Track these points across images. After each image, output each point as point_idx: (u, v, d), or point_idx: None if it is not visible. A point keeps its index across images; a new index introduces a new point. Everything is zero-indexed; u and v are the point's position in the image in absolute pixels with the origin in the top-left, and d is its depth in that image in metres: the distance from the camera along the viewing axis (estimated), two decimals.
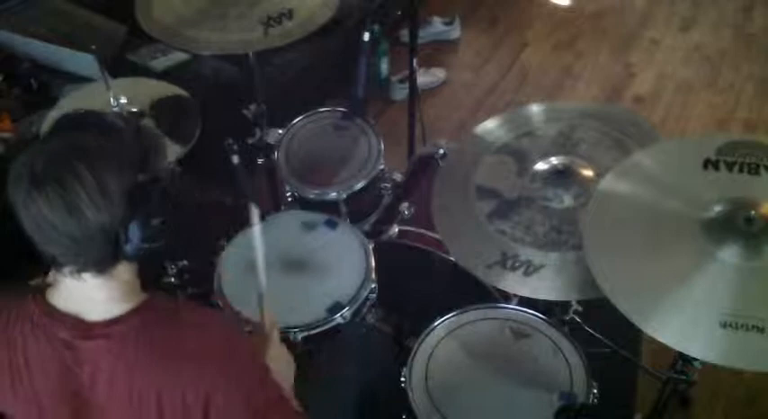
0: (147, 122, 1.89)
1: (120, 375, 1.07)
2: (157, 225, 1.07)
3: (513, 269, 1.57)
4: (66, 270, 1.05)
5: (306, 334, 1.72)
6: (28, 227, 1.01)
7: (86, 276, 1.06)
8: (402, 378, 1.62)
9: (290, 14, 1.95)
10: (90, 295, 1.08)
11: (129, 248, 1.04)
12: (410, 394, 1.59)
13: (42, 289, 1.11)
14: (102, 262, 1.06)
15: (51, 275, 1.10)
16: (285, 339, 1.69)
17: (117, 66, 2.44)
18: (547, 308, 1.83)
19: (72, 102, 1.99)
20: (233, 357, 1.13)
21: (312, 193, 2.08)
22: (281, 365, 1.31)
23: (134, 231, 1.04)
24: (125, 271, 1.10)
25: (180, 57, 2.66)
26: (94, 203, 0.99)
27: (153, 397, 1.07)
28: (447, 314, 1.74)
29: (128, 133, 1.06)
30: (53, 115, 1.93)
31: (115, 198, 1.01)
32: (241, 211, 2.01)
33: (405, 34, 2.69)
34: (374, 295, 1.85)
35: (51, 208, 0.98)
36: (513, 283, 1.56)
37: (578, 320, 2.07)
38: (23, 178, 0.99)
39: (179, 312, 1.13)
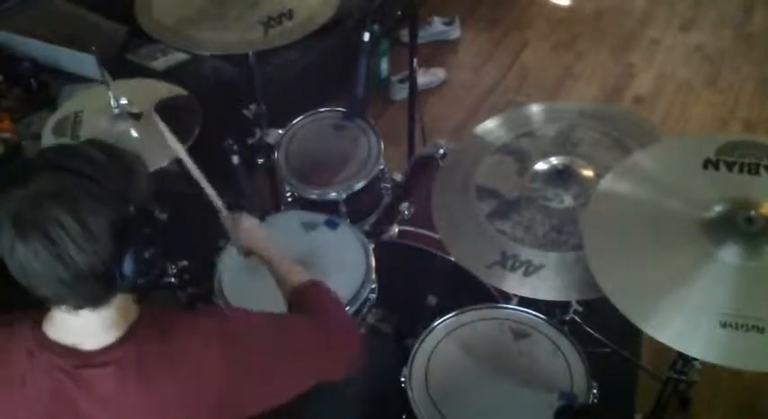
0: (147, 121, 1.89)
1: (122, 399, 1.06)
2: (150, 257, 1.05)
3: (513, 269, 1.57)
4: (62, 307, 1.04)
5: None
6: (16, 272, 0.99)
7: (81, 311, 1.04)
8: (402, 379, 1.62)
9: (289, 15, 1.95)
10: (86, 327, 1.06)
11: (124, 284, 1.03)
12: (410, 394, 1.59)
13: (40, 319, 1.08)
14: (97, 299, 1.04)
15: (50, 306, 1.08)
16: None
17: (117, 66, 2.44)
18: (547, 308, 1.83)
19: (73, 103, 1.99)
20: (236, 356, 1.12)
21: (312, 193, 2.08)
22: (257, 229, 1.48)
23: (128, 266, 1.02)
24: (121, 299, 1.08)
25: (180, 57, 2.66)
26: (81, 248, 0.97)
27: (157, 415, 1.08)
28: (447, 314, 1.74)
29: (110, 165, 1.03)
30: (55, 118, 1.93)
31: (102, 237, 0.98)
32: (241, 211, 2.01)
33: (405, 34, 2.69)
34: (374, 295, 1.85)
35: (37, 257, 0.96)
36: (513, 283, 1.56)
37: (578, 320, 2.07)
38: (6, 224, 0.96)
39: (173, 323, 1.12)
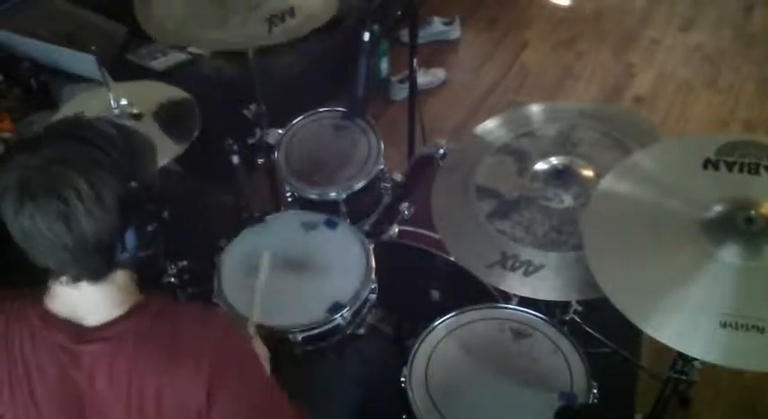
0: (148, 122, 1.89)
1: (119, 377, 1.07)
2: (152, 231, 1.06)
3: (513, 269, 1.57)
4: (63, 278, 1.05)
5: (306, 334, 1.72)
6: (20, 238, 1.00)
7: (83, 284, 1.05)
8: (402, 379, 1.62)
9: (292, 12, 1.95)
10: (86, 301, 1.07)
11: (124, 256, 1.04)
12: (410, 394, 1.59)
13: (40, 295, 1.10)
14: (97, 272, 1.05)
15: (50, 281, 1.09)
16: (285, 339, 1.70)
17: (117, 66, 2.44)
18: (547, 308, 1.83)
19: (74, 104, 1.99)
20: (233, 353, 1.13)
21: (312, 193, 2.08)
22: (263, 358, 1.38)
23: (129, 239, 1.04)
24: (121, 276, 1.09)
25: (180, 57, 2.66)
26: (91, 214, 0.98)
27: (152, 397, 1.07)
28: (447, 314, 1.74)
29: (119, 140, 1.05)
30: (56, 118, 1.93)
31: (111, 207, 1.00)
32: (241, 211, 2.02)
33: (405, 34, 2.69)
34: (374, 295, 1.85)
35: (47, 219, 0.97)
36: (513, 283, 1.56)
37: (578, 320, 2.07)
38: (12, 189, 0.97)
39: (176, 310, 1.13)
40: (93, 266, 1.04)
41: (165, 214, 1.12)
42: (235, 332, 1.19)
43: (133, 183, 1.03)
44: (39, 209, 0.97)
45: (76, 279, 1.05)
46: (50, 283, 1.08)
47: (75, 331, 1.07)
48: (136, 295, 1.12)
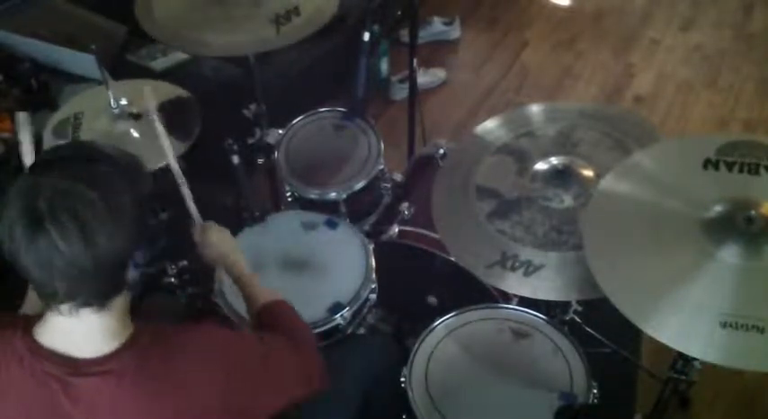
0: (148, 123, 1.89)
1: (117, 411, 1.05)
2: (160, 245, 1.07)
3: (513, 269, 1.57)
4: (65, 307, 1.02)
5: None
6: (31, 264, 0.97)
7: (84, 312, 1.03)
8: (402, 379, 1.62)
9: (297, 11, 1.95)
10: (84, 332, 1.05)
11: (133, 273, 1.03)
12: (410, 394, 1.59)
13: (28, 326, 1.07)
14: (105, 295, 1.04)
15: (46, 312, 1.05)
16: None
17: (117, 66, 2.44)
18: (547, 308, 1.83)
19: (74, 104, 1.98)
20: (237, 362, 1.13)
21: (312, 193, 2.08)
22: (227, 241, 1.51)
23: (140, 255, 1.04)
24: (122, 302, 1.08)
25: (180, 57, 2.66)
26: (108, 231, 0.97)
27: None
28: (447, 314, 1.74)
29: (120, 158, 1.06)
30: (56, 119, 1.93)
31: (126, 224, 1.00)
32: (241, 211, 2.02)
33: (405, 34, 2.69)
34: (374, 295, 1.85)
35: (65, 239, 0.95)
36: (513, 283, 1.56)
37: (578, 320, 2.07)
38: (20, 220, 0.95)
39: (169, 335, 1.11)
40: (105, 288, 1.03)
41: (165, 215, 1.12)
42: (232, 337, 1.20)
43: (142, 200, 1.04)
44: (58, 230, 0.95)
45: (84, 304, 1.02)
46: (45, 314, 1.05)
47: (69, 364, 1.04)
48: (129, 327, 1.09)
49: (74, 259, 0.96)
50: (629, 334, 2.01)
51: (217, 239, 1.52)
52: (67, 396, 1.04)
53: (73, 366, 1.04)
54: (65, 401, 1.04)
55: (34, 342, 1.05)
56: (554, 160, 1.75)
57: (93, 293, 1.02)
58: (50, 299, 1.02)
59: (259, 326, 1.37)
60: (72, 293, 1.01)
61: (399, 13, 3.13)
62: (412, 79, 2.41)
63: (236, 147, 1.84)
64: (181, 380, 1.07)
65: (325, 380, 1.30)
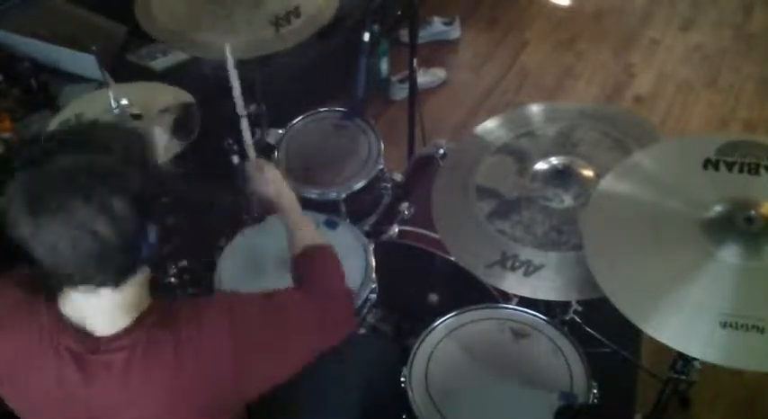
0: (148, 122, 1.89)
1: (128, 386, 1.07)
2: (172, 222, 1.07)
3: (513, 269, 1.57)
4: (82, 287, 1.04)
5: None
6: (41, 252, 0.99)
7: (103, 291, 1.04)
8: (402, 379, 1.62)
9: (297, 12, 1.94)
10: (102, 308, 1.06)
11: (147, 251, 1.04)
12: (410, 394, 1.59)
13: (54, 294, 1.09)
14: (120, 276, 1.05)
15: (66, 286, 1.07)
16: None
17: (117, 66, 2.44)
18: (547, 308, 1.83)
19: (74, 106, 1.99)
20: (242, 324, 1.14)
21: (312, 193, 2.08)
22: (281, 180, 1.52)
23: (151, 233, 1.04)
24: (140, 278, 1.09)
25: (180, 57, 2.65)
26: (106, 220, 0.98)
27: (171, 398, 1.08)
28: (447, 314, 1.74)
29: (122, 139, 1.06)
30: (57, 121, 1.93)
31: (125, 209, 0.99)
32: (241, 211, 2.01)
33: (405, 34, 2.69)
34: (374, 295, 1.85)
35: (65, 231, 0.96)
36: (513, 283, 1.56)
37: (578, 320, 2.07)
38: (24, 206, 0.97)
39: (180, 308, 1.13)
40: (117, 269, 1.03)
41: (171, 220, 1.12)
42: (236, 301, 1.21)
43: (145, 178, 1.03)
44: (56, 222, 0.96)
45: (101, 284, 1.03)
46: (66, 288, 1.07)
47: (85, 338, 1.06)
48: (146, 301, 1.11)
49: (78, 247, 0.98)
50: (629, 334, 2.01)
51: (272, 176, 1.52)
52: (81, 370, 1.06)
53: (89, 342, 1.06)
54: (78, 375, 1.06)
55: (57, 312, 1.08)
56: (554, 160, 1.75)
57: (108, 275, 1.03)
58: (67, 283, 1.04)
59: (294, 268, 1.40)
60: (85, 277, 1.02)
61: (399, 13, 3.12)
62: (412, 79, 2.41)
63: (236, 147, 1.84)
64: (194, 350, 1.08)
65: (353, 323, 1.30)
